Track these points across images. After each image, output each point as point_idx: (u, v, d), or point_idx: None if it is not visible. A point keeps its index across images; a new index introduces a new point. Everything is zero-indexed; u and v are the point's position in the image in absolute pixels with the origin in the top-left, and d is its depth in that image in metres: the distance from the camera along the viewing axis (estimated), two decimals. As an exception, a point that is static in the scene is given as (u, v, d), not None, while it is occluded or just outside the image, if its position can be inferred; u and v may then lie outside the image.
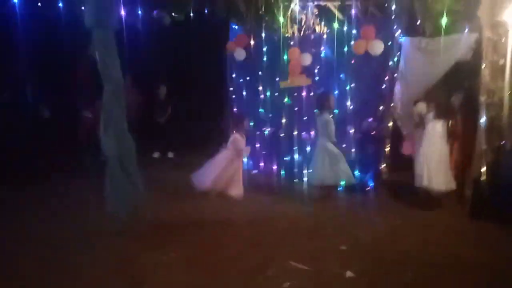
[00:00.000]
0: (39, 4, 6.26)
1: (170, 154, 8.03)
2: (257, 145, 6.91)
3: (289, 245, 4.10)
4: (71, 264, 3.61)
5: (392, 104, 5.87)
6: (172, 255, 3.81)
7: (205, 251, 3.93)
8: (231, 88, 7.14)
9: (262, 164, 7.02)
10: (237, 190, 5.21)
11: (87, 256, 3.75)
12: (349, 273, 3.58)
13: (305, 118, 6.35)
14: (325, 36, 6.27)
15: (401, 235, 4.38)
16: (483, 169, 4.80)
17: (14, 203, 5.07)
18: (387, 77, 5.86)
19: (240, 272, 3.56)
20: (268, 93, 6.68)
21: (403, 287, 3.40)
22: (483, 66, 4.80)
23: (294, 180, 6.44)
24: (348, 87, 6.01)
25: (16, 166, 6.03)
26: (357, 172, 5.93)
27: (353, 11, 5.93)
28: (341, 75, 6.07)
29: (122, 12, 5.25)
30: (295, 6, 6.33)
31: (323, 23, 6.53)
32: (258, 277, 3.51)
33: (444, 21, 5.07)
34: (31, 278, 3.38)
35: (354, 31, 5.91)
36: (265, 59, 6.55)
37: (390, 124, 5.98)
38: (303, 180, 6.36)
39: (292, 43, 6.33)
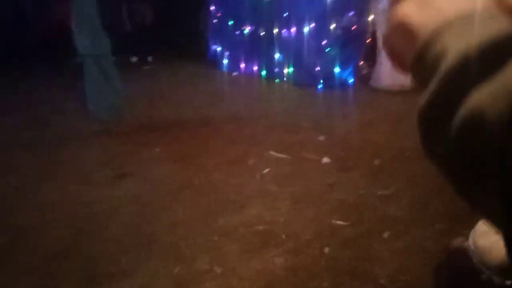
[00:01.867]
0: None
1: (149, 58, 7.88)
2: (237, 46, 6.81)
3: (269, 139, 4.26)
4: (57, 162, 3.74)
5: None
6: (157, 150, 3.94)
7: (187, 147, 4.08)
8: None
9: (242, 65, 6.98)
10: None
11: (71, 154, 3.86)
12: (325, 159, 3.79)
13: (285, 14, 6.20)
14: None
15: (374, 128, 4.56)
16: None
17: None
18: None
19: (221, 163, 3.74)
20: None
21: (372, 168, 3.64)
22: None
23: (275, 80, 6.47)
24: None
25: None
26: (337, 69, 5.96)
27: None
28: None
29: None
30: None
31: None
32: (239, 166, 3.70)
33: None
34: (20, 173, 3.51)
35: None
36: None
37: (370, 18, 5.89)
38: (284, 80, 6.39)
39: None
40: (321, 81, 5.81)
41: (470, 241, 1.29)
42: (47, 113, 4.92)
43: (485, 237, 1.24)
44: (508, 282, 1.14)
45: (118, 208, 3.06)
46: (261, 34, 6.50)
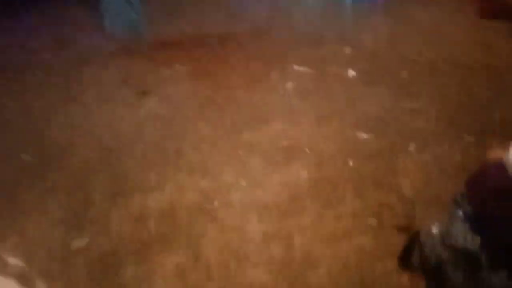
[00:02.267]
0: None
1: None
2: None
3: (292, 53, 4.11)
4: (78, 81, 3.73)
5: None
6: (177, 68, 3.88)
7: (208, 64, 3.98)
8: None
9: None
10: None
11: (91, 73, 3.84)
12: (350, 72, 3.66)
13: None
14: None
15: (404, 39, 4.32)
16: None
17: (13, 30, 5.00)
18: None
19: (243, 79, 3.67)
20: None
21: (399, 81, 3.51)
22: None
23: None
24: None
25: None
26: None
27: None
28: None
29: None
30: None
31: None
32: (261, 82, 3.62)
33: None
34: (43, 94, 3.54)
35: None
36: None
37: None
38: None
39: None
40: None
41: (509, 155, 1.24)
42: (67, 32, 4.83)
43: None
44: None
45: (142, 127, 3.08)
46: None
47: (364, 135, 2.89)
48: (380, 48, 4.15)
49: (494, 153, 1.35)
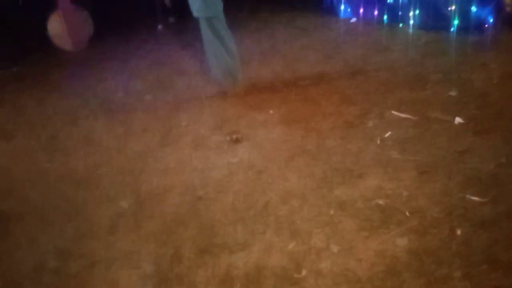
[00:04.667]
0: None
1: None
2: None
3: (390, 97, 3.86)
4: (175, 125, 3.87)
5: None
6: (270, 112, 3.85)
7: (300, 108, 3.90)
8: None
9: (361, 10, 6.39)
10: None
11: (188, 117, 3.96)
12: (457, 120, 3.32)
13: None
14: None
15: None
16: None
17: (118, 72, 5.42)
18: None
19: (337, 126, 3.51)
20: None
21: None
22: None
23: (399, 25, 5.81)
24: None
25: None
26: (473, 7, 5.10)
27: None
28: None
29: None
30: None
31: None
32: (356, 129, 3.43)
33: None
34: (142, 137, 3.73)
35: None
36: None
37: None
38: (408, 24, 5.71)
39: None
40: (454, 23, 5.04)
41: None
42: (169, 74, 5.11)
43: None
44: None
45: (233, 175, 3.07)
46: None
47: (475, 198, 2.55)
48: (493, 91, 3.74)
49: None
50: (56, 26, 5.79)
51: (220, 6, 4.02)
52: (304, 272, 2.18)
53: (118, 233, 2.62)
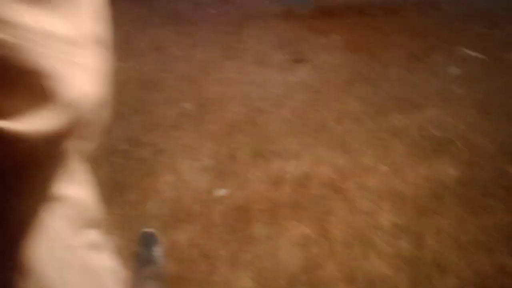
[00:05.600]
0: None
1: None
2: None
3: (464, 34, 3.70)
4: (237, 40, 3.94)
5: None
6: (334, 37, 3.82)
7: (366, 36, 3.82)
8: None
9: None
10: None
11: (251, 33, 4.00)
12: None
13: None
14: None
15: None
16: None
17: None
18: None
19: (401, 57, 3.45)
20: None
21: None
22: None
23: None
24: None
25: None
26: None
27: None
28: None
29: None
30: None
31: None
32: (421, 62, 3.37)
33: None
34: (205, 48, 3.84)
35: None
36: None
37: None
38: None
39: None
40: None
41: None
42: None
43: None
44: None
45: (291, 92, 3.16)
46: None
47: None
48: None
49: None
50: None
51: None
52: (349, 184, 2.31)
53: (181, 129, 2.83)
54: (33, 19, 0.29)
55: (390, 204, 2.19)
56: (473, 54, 3.39)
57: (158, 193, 2.34)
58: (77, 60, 0.32)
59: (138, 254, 1.96)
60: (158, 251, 1.99)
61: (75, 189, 0.37)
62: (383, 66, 3.36)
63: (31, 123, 0.29)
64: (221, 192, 2.33)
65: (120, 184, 2.36)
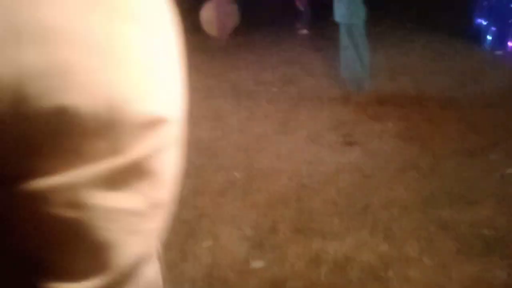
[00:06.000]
0: None
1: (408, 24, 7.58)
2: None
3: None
4: (294, 118, 4.10)
5: None
6: (388, 125, 3.88)
7: (421, 127, 3.86)
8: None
9: (511, 43, 5.99)
10: None
11: (307, 113, 4.17)
12: None
13: None
14: None
15: None
16: None
17: (248, 64, 5.82)
18: None
19: (456, 152, 3.41)
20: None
21: None
22: None
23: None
24: None
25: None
26: None
27: None
28: None
29: None
30: None
31: None
32: (477, 158, 3.30)
33: None
34: (262, 123, 4.02)
35: None
36: None
37: None
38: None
39: None
40: None
41: None
42: (297, 71, 5.39)
43: None
44: None
45: (340, 173, 3.19)
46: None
47: None
48: None
49: None
50: (207, 13, 6.46)
51: (362, 15, 4.17)
52: (391, 274, 2.23)
53: (227, 197, 2.92)
54: (108, 200, 0.29)
55: (432, 301, 2.07)
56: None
57: (196, 257, 2.38)
58: (140, 227, 0.32)
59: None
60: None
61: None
62: (436, 159, 3.33)
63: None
64: (258, 264, 2.33)
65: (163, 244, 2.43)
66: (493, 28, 6.16)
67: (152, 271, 0.37)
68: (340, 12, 4.24)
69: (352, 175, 3.17)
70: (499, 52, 6.00)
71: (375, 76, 4.80)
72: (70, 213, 0.28)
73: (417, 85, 4.81)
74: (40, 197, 0.27)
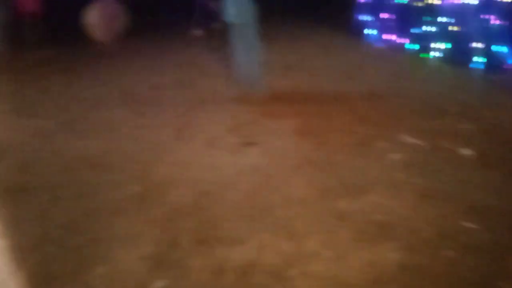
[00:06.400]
0: None
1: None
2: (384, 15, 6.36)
3: (404, 122, 3.95)
4: (191, 123, 4.01)
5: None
6: (283, 122, 3.96)
7: (314, 122, 4.01)
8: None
9: (389, 37, 6.50)
10: None
11: (204, 116, 4.10)
12: (465, 151, 3.38)
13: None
14: None
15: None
16: None
17: (142, 68, 5.60)
18: None
19: (347, 143, 3.60)
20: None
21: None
22: None
23: (424, 55, 5.90)
24: None
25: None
26: (504, 47, 5.16)
27: None
28: None
29: None
30: None
31: None
32: (366, 148, 3.51)
33: None
34: (157, 130, 3.87)
35: None
36: None
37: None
38: (435, 56, 5.79)
39: None
40: (482, 59, 5.10)
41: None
42: (193, 75, 5.29)
43: None
44: None
45: (240, 176, 3.17)
46: (416, 2, 5.94)
47: (469, 224, 2.60)
48: (505, 127, 3.78)
49: None
50: (91, 16, 6.07)
51: (252, 14, 4.20)
52: (294, 272, 2.25)
53: (123, 215, 2.73)
54: None
55: (333, 293, 2.13)
56: (413, 141, 3.58)
57: (88, 287, 2.18)
58: None
59: None
60: None
61: None
62: (330, 151, 3.48)
63: None
64: (160, 283, 2.21)
65: (51, 275, 2.20)
66: (374, 23, 6.64)
67: None
68: (230, 13, 4.23)
69: (252, 176, 3.18)
70: (379, 45, 6.48)
71: (270, 74, 4.89)
72: None
73: (310, 80, 5.00)
74: None
